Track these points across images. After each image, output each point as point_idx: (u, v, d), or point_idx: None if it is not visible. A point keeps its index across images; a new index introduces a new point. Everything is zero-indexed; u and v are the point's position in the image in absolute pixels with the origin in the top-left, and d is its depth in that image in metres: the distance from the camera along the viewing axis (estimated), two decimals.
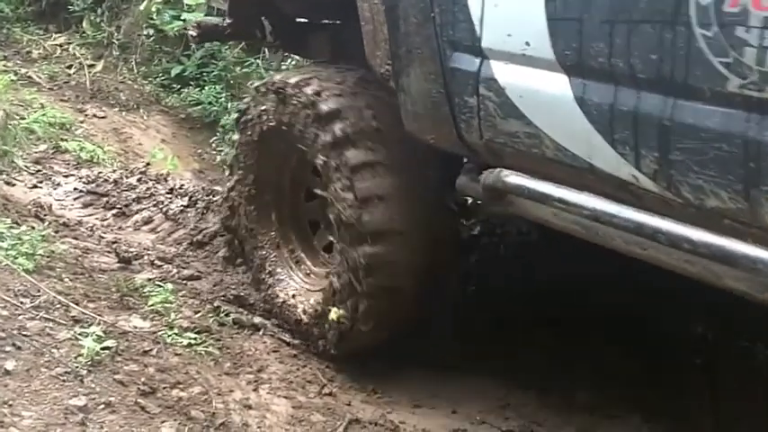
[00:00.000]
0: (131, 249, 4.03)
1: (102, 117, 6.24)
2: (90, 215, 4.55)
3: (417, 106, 2.88)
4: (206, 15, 4.00)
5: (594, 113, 2.27)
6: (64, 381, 2.72)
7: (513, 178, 2.59)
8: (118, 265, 3.83)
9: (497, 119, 2.57)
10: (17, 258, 3.41)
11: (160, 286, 3.53)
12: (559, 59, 2.33)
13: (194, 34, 4.00)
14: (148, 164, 5.46)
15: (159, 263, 3.93)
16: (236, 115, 3.70)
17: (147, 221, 4.52)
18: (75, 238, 4.07)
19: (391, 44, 2.93)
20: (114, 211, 4.60)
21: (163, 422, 2.65)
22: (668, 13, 2.02)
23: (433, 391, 3.21)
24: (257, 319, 3.50)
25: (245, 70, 6.60)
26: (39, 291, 3.20)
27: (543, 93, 2.42)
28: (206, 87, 6.64)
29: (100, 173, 5.04)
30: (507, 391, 3.17)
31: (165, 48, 7.06)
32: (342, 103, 3.09)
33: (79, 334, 2.96)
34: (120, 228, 4.46)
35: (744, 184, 1.98)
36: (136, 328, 3.16)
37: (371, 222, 2.99)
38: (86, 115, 6.19)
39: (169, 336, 3.14)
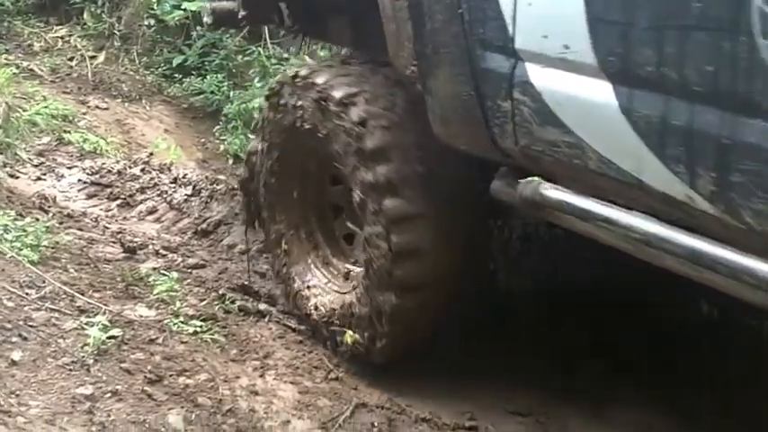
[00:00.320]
0: (136, 239, 4.04)
1: (105, 108, 6.24)
2: (94, 206, 4.56)
3: (446, 110, 2.67)
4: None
5: (643, 126, 2.06)
6: (70, 370, 2.73)
7: (553, 192, 2.39)
8: (123, 254, 3.85)
9: (534, 125, 2.37)
10: (22, 250, 3.43)
11: (165, 275, 3.54)
12: (602, 65, 2.13)
13: (209, 21, 3.84)
14: (152, 154, 5.45)
15: (164, 252, 3.94)
16: (266, 91, 3.39)
17: (152, 211, 4.54)
18: (80, 229, 4.09)
19: (416, 43, 2.72)
20: (118, 202, 4.61)
21: (170, 409, 2.66)
22: (727, 20, 1.82)
23: (440, 376, 3.20)
24: (263, 306, 3.50)
25: (246, 59, 6.56)
26: (44, 281, 3.22)
27: (585, 100, 2.21)
28: (208, 76, 6.60)
29: (103, 164, 5.04)
30: (514, 377, 3.16)
31: (166, 38, 7.03)
32: (389, 143, 2.86)
33: (85, 324, 2.98)
34: (124, 218, 4.48)
35: None
36: (141, 316, 3.17)
37: (403, 277, 2.85)
38: (89, 107, 6.18)
39: (175, 324, 3.15)
